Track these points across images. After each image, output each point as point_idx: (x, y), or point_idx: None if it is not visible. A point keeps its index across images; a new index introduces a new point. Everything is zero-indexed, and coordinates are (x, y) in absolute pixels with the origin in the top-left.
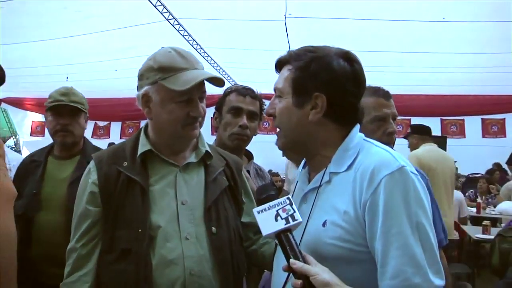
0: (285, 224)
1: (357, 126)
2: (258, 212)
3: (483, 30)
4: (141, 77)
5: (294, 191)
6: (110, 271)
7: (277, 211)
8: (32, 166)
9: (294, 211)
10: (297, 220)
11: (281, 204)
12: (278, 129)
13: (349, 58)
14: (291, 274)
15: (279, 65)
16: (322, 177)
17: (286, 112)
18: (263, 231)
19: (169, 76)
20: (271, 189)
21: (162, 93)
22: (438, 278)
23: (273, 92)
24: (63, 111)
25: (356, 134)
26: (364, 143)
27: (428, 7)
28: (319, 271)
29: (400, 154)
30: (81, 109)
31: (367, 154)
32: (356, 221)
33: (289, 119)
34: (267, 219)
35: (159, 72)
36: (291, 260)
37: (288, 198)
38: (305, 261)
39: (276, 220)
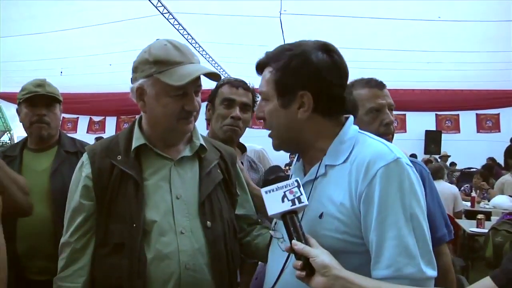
0: (291, 206)
1: (351, 118)
2: (266, 192)
3: (478, 29)
4: (135, 69)
5: None
6: (103, 265)
7: (284, 192)
8: (6, 161)
9: (301, 194)
10: (303, 202)
11: (289, 186)
12: (270, 131)
13: (327, 49)
14: (285, 265)
15: (259, 67)
16: (318, 170)
17: (274, 114)
18: (269, 211)
19: (165, 70)
20: (280, 170)
21: (157, 86)
22: (430, 269)
23: None
24: (39, 102)
25: (351, 127)
26: (359, 136)
27: (424, 7)
28: (319, 253)
29: (395, 146)
30: (57, 99)
31: (362, 146)
32: (352, 212)
33: (278, 120)
34: (274, 200)
35: (154, 65)
36: (293, 241)
37: (296, 181)
38: (307, 243)
39: (283, 201)
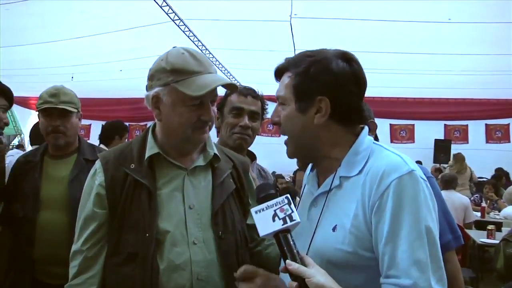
0: (282, 225)
1: (366, 129)
2: (256, 212)
3: (489, 31)
4: (151, 77)
5: (302, 194)
6: (115, 274)
7: (274, 211)
8: (28, 167)
9: (292, 211)
10: (295, 220)
11: (279, 203)
12: (286, 138)
13: (347, 58)
14: None
15: (278, 73)
16: (332, 181)
17: (291, 119)
18: (260, 231)
19: (182, 79)
20: (270, 188)
21: (174, 95)
22: (439, 286)
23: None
24: (54, 113)
25: (365, 137)
26: (374, 146)
27: (434, 8)
28: (315, 273)
29: (409, 158)
30: (70, 111)
31: (377, 158)
32: (365, 224)
33: (294, 125)
34: (265, 219)
35: (171, 74)
36: (287, 261)
37: (286, 197)
38: (302, 262)
39: (274, 220)
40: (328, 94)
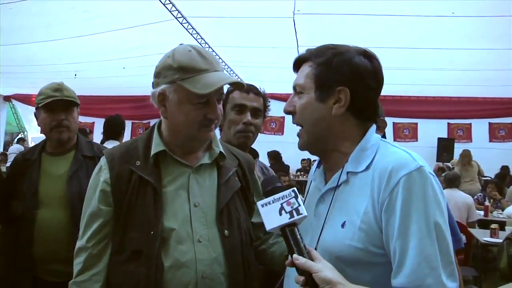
0: (289, 218)
1: (374, 127)
2: (262, 206)
3: (494, 26)
4: (158, 74)
5: (308, 190)
6: (120, 272)
7: (281, 204)
8: (26, 165)
9: (299, 205)
10: (302, 214)
11: (286, 197)
12: (299, 128)
13: (368, 55)
14: None
15: (298, 63)
16: (339, 177)
17: (309, 107)
18: (267, 225)
19: (189, 77)
20: (277, 181)
21: (180, 93)
22: (450, 281)
23: (279, 92)
24: (57, 107)
25: (373, 134)
26: (381, 143)
27: (436, 2)
28: (322, 268)
29: (417, 154)
30: (75, 103)
31: (385, 154)
32: (374, 221)
33: (312, 114)
34: (271, 213)
35: (178, 71)
36: (294, 255)
37: (293, 191)
38: (309, 256)
39: (280, 214)
40: (349, 86)
